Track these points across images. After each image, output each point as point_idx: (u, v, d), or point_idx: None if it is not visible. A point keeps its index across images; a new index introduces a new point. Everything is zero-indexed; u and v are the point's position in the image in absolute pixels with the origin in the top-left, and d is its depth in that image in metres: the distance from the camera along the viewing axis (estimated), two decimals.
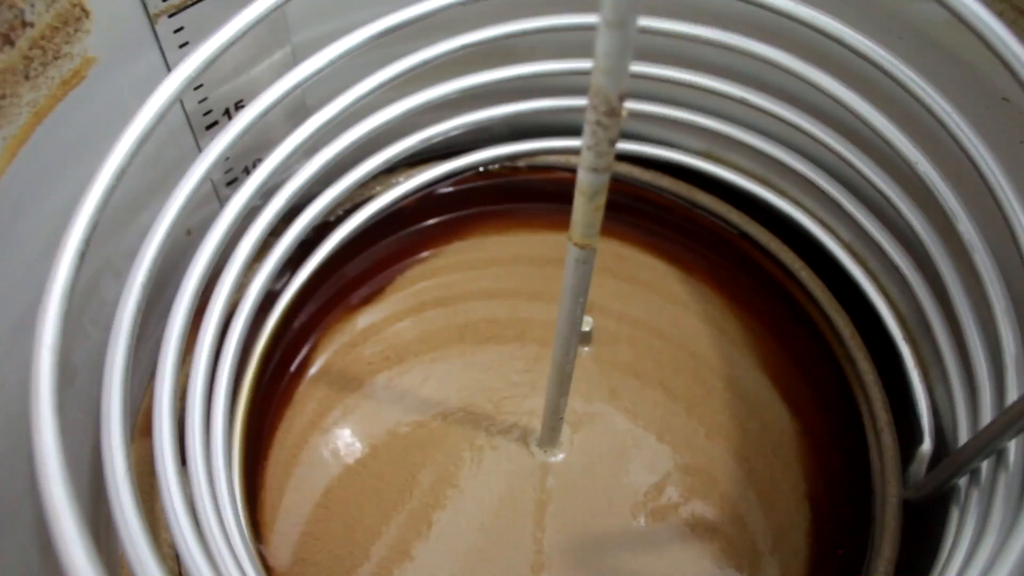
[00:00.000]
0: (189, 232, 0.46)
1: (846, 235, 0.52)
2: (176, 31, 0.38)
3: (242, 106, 0.43)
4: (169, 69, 0.39)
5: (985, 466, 0.38)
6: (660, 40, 0.45)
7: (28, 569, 0.35)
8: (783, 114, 0.47)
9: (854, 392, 0.50)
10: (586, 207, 0.26)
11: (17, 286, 0.34)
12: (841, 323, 0.51)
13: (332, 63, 0.39)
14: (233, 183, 0.48)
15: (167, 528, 0.31)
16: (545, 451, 0.48)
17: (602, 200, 0.26)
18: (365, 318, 0.53)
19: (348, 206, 0.52)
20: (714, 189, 0.55)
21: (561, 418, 0.44)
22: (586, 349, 0.52)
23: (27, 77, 0.32)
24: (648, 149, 0.54)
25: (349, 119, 0.43)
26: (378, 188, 0.53)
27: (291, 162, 0.41)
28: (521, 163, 0.56)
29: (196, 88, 0.41)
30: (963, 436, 0.42)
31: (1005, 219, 0.39)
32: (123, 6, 0.36)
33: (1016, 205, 0.38)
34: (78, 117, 0.35)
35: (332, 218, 0.51)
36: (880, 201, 0.47)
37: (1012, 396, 0.39)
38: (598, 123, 0.22)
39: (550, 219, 0.57)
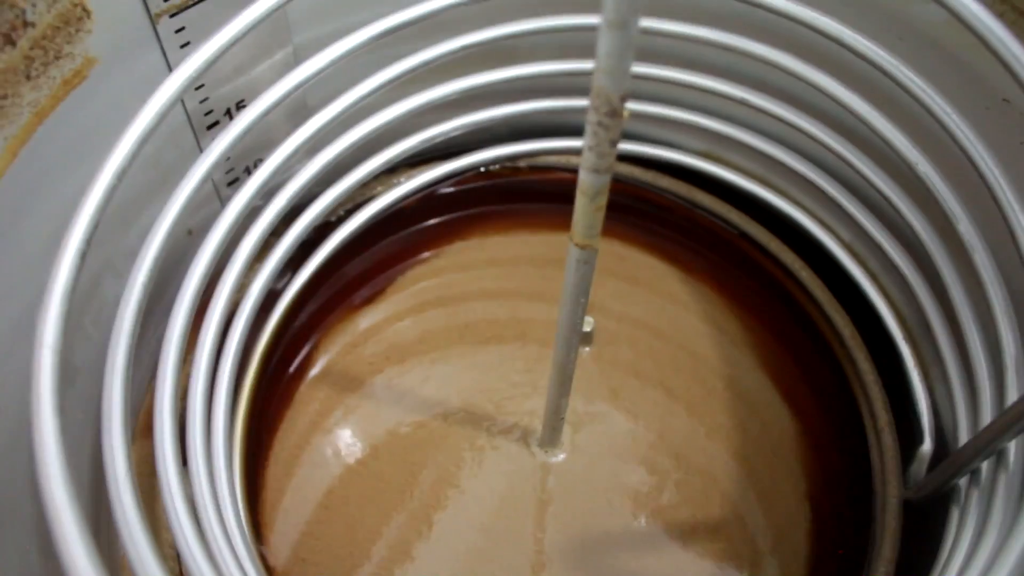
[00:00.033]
0: (190, 232, 0.46)
1: (846, 235, 0.52)
2: (177, 31, 0.38)
3: (243, 106, 0.43)
4: (170, 69, 0.39)
5: (985, 466, 0.38)
6: (661, 41, 0.45)
7: (29, 570, 0.35)
8: (783, 115, 0.47)
9: (854, 392, 0.50)
10: (587, 208, 0.26)
11: (18, 286, 0.35)
12: (841, 323, 0.51)
13: (333, 63, 0.39)
14: (234, 183, 0.48)
15: (168, 528, 0.31)
16: (546, 451, 0.48)
17: (603, 201, 0.26)
18: (366, 318, 0.53)
19: (349, 206, 0.52)
20: (714, 189, 0.55)
21: (562, 418, 0.44)
22: (587, 349, 0.52)
23: (28, 77, 0.32)
24: (648, 149, 0.54)
25: (350, 119, 0.43)
26: (379, 188, 0.53)
27: (292, 162, 0.41)
28: (522, 163, 0.56)
29: (197, 88, 0.41)
30: (963, 436, 0.42)
31: (1005, 220, 0.39)
32: (124, 6, 0.36)
33: (1016, 206, 0.38)
34: (79, 117, 0.35)
35: (333, 218, 0.51)
36: (880, 202, 0.47)
37: (1012, 396, 0.39)
38: (599, 124, 0.23)
39: (551, 219, 0.57)
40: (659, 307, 0.54)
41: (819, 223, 0.51)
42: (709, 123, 0.51)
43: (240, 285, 0.41)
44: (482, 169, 0.55)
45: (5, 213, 0.33)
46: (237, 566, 0.34)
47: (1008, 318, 0.40)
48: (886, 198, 0.46)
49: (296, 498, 0.47)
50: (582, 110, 0.25)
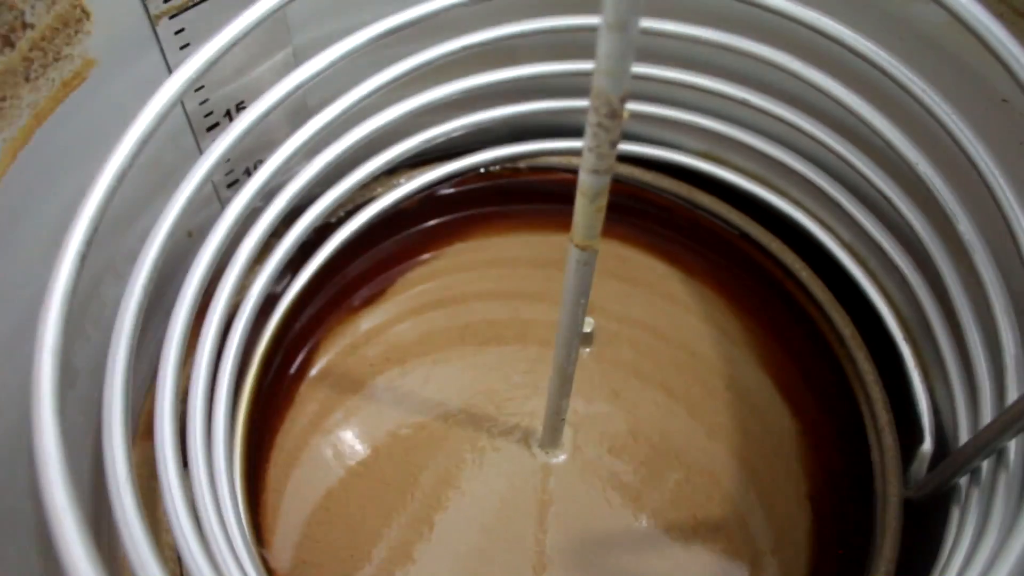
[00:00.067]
0: (190, 234, 0.46)
1: (847, 236, 0.52)
2: (177, 32, 0.38)
3: (243, 107, 0.43)
4: (170, 71, 0.39)
5: (985, 465, 0.38)
6: (661, 41, 0.45)
7: (31, 573, 0.34)
8: (784, 115, 0.47)
9: (855, 392, 0.50)
10: (587, 209, 0.26)
11: (18, 288, 0.34)
12: (842, 323, 0.51)
13: (333, 64, 0.39)
14: (234, 184, 0.48)
15: (169, 530, 0.31)
16: (547, 452, 0.48)
17: (603, 202, 0.26)
18: (366, 319, 0.53)
19: (349, 207, 0.52)
20: (715, 190, 0.55)
21: (563, 419, 0.44)
22: (587, 350, 0.52)
23: (27, 79, 0.32)
24: (649, 150, 0.54)
25: (350, 120, 0.43)
26: (379, 189, 0.53)
27: (292, 163, 0.41)
28: (522, 164, 0.56)
29: (197, 90, 0.41)
30: (963, 436, 0.42)
31: (1005, 220, 0.39)
32: (124, 7, 0.36)
33: (1016, 206, 0.38)
34: (79, 119, 0.35)
35: (333, 219, 0.51)
36: (880, 202, 0.47)
37: (1012, 396, 0.39)
38: (599, 125, 0.22)
39: (551, 220, 0.57)
40: (660, 308, 0.54)
41: (819, 223, 0.51)
42: (709, 123, 0.51)
43: (240, 286, 0.41)
44: (482, 170, 0.55)
45: (5, 215, 0.33)
46: (238, 568, 0.34)
47: (1008, 317, 0.40)
48: (886, 198, 0.46)
49: (297, 500, 0.47)
50: (582, 111, 0.25)
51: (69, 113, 0.35)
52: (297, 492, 0.47)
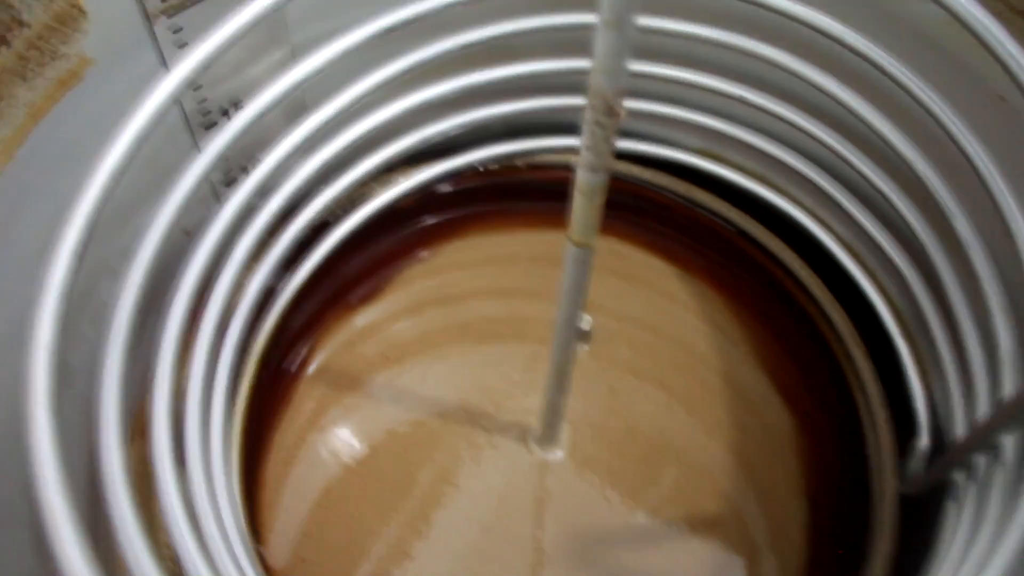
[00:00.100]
0: (187, 232, 0.46)
1: (844, 233, 0.52)
2: (174, 31, 0.38)
3: (240, 106, 0.43)
4: (167, 69, 0.39)
5: (981, 460, 0.38)
6: (658, 39, 0.45)
7: (26, 572, 0.34)
8: (781, 112, 0.47)
9: (851, 388, 0.50)
10: (585, 206, 0.26)
11: (14, 286, 0.34)
12: (839, 320, 0.51)
13: (331, 62, 0.39)
14: (231, 183, 0.47)
15: (165, 529, 0.31)
16: (544, 449, 0.48)
17: (601, 199, 0.26)
18: (364, 317, 0.53)
19: (346, 205, 0.52)
20: (712, 187, 0.55)
21: (560, 416, 0.44)
22: (585, 347, 0.52)
23: (23, 78, 0.32)
24: (647, 147, 0.54)
25: (347, 118, 0.43)
26: (376, 187, 0.53)
27: (289, 161, 0.41)
28: (519, 162, 0.56)
29: (195, 88, 0.41)
30: (959, 431, 0.42)
31: (1001, 217, 0.39)
32: (120, 6, 0.35)
33: (1012, 203, 0.38)
34: (75, 118, 0.35)
35: (330, 217, 0.51)
36: (878, 199, 0.47)
37: (1008, 391, 0.39)
38: (596, 123, 0.23)
39: (549, 218, 0.57)
40: (657, 305, 0.54)
41: (817, 221, 0.51)
42: (707, 121, 0.51)
43: (237, 284, 0.41)
44: (480, 168, 0.55)
45: (2, 213, 0.33)
46: (235, 566, 0.34)
47: (1004, 314, 0.40)
48: (884, 196, 0.46)
49: (294, 497, 0.47)
50: (580, 108, 0.25)
51: (66, 112, 0.34)
52: (295, 489, 0.47)
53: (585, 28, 0.44)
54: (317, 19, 0.44)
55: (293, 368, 0.51)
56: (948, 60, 0.41)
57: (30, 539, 0.35)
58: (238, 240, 0.41)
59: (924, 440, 0.45)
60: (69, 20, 0.33)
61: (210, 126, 0.43)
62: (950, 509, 0.39)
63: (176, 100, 0.34)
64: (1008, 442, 0.37)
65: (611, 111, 0.22)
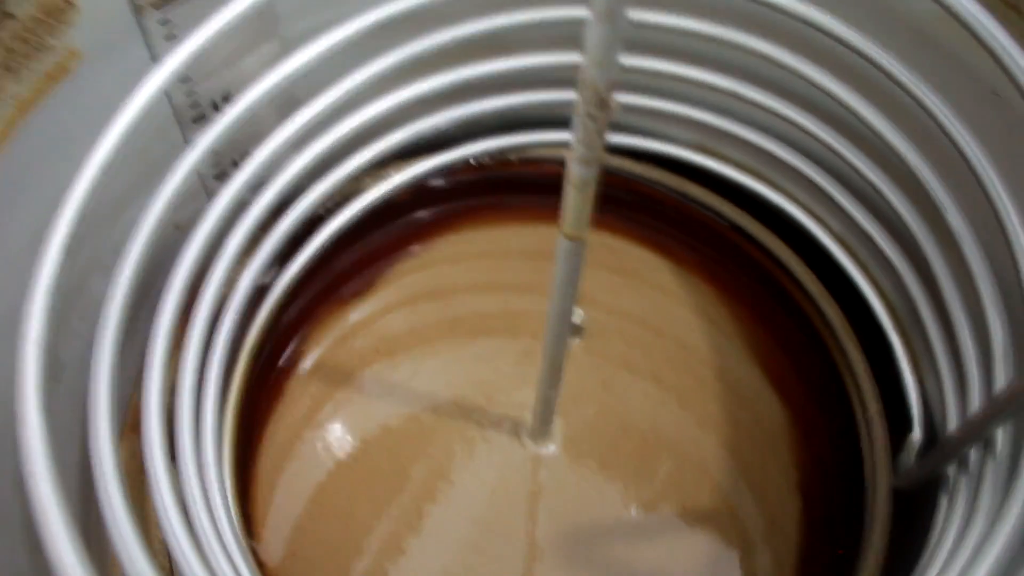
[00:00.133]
0: (177, 227, 0.45)
1: (837, 227, 0.52)
2: (163, 24, 0.38)
3: (230, 99, 0.43)
4: (156, 62, 0.38)
5: (973, 454, 0.38)
6: (652, 33, 0.45)
7: (17, 570, 0.34)
8: (775, 107, 0.47)
9: (844, 382, 0.50)
10: (576, 199, 0.26)
11: (2, 282, 0.34)
12: (832, 314, 0.51)
13: (321, 56, 0.39)
14: (222, 177, 0.47)
15: (158, 525, 0.31)
16: (536, 443, 0.48)
17: (592, 192, 0.26)
18: (356, 312, 0.53)
19: (338, 200, 0.52)
20: (706, 181, 0.55)
21: (552, 410, 0.44)
22: (577, 341, 0.52)
23: (9, 70, 0.32)
24: (640, 142, 0.54)
25: (339, 112, 0.42)
26: (368, 181, 0.53)
27: (280, 156, 0.41)
28: (512, 156, 0.56)
29: (183, 81, 0.41)
30: (952, 424, 0.42)
31: (994, 211, 0.39)
32: None
33: (1005, 197, 0.39)
34: (63, 111, 0.35)
35: (322, 212, 0.51)
36: (871, 193, 0.47)
37: (1000, 384, 0.39)
38: (588, 115, 0.22)
39: (541, 212, 0.57)
40: (650, 299, 0.54)
41: (810, 215, 0.51)
42: (700, 115, 0.51)
43: (229, 279, 0.40)
44: (472, 162, 0.55)
45: None
46: (228, 562, 0.34)
47: (996, 307, 0.40)
48: (877, 190, 0.46)
49: (287, 492, 0.46)
50: (572, 102, 0.25)
51: (53, 105, 0.34)
52: (287, 485, 0.47)
53: (578, 22, 0.44)
54: (308, 12, 0.44)
55: (285, 363, 0.50)
56: (941, 54, 0.41)
57: (22, 535, 0.35)
58: (230, 235, 0.40)
59: (917, 434, 0.45)
60: (57, 12, 0.33)
61: (200, 120, 0.43)
62: (942, 502, 0.39)
63: (165, 93, 0.34)
64: (1000, 435, 0.37)
65: (603, 103, 0.22)
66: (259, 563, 0.44)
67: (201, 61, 0.35)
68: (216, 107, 0.43)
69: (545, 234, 0.56)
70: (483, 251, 0.55)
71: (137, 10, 0.36)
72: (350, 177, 0.48)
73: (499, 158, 0.56)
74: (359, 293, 0.53)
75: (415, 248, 0.55)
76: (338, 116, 0.43)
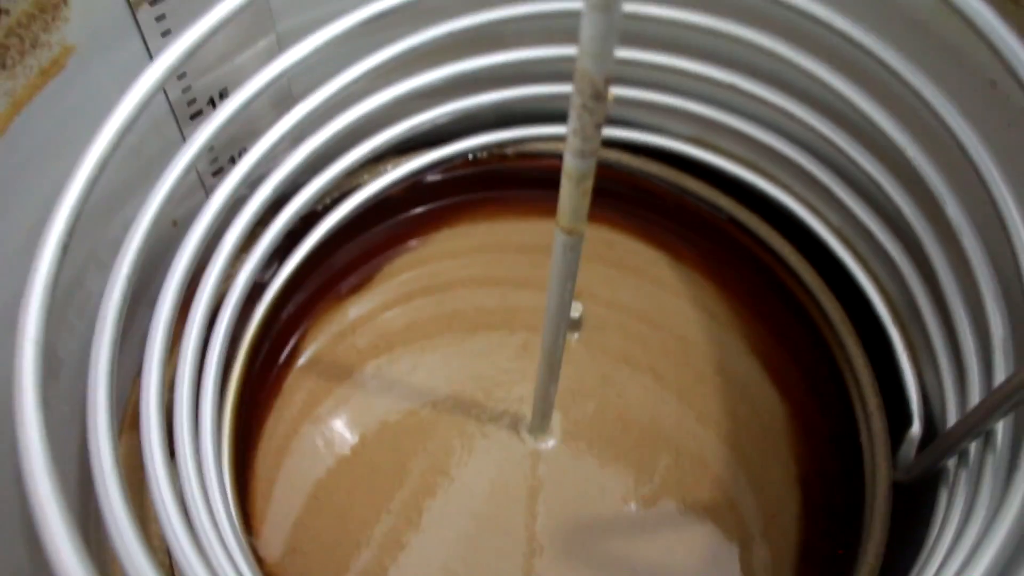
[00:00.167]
0: (175, 223, 0.45)
1: (835, 220, 0.52)
2: (158, 19, 0.38)
3: (227, 95, 0.42)
4: (151, 58, 0.38)
5: (973, 447, 0.38)
6: (648, 25, 0.45)
7: (17, 567, 0.34)
8: (772, 100, 0.47)
9: (844, 375, 0.50)
10: (573, 192, 0.26)
11: (0, 279, 0.34)
12: (831, 307, 0.51)
13: (317, 51, 0.39)
14: (219, 173, 0.47)
15: (157, 521, 0.31)
16: (536, 438, 0.48)
17: (589, 185, 0.26)
18: (354, 307, 0.53)
19: (335, 195, 0.52)
20: (703, 175, 0.55)
21: (551, 405, 0.44)
22: (576, 335, 0.52)
23: (3, 66, 0.32)
24: (637, 135, 0.54)
25: (336, 107, 0.42)
26: (365, 177, 0.53)
27: (277, 151, 0.41)
28: (509, 150, 0.56)
29: (179, 77, 0.41)
30: (952, 418, 0.42)
31: (993, 203, 0.39)
32: None
33: (1004, 189, 0.38)
34: (58, 107, 0.35)
35: (319, 207, 0.51)
36: (869, 186, 0.47)
37: (1000, 378, 0.39)
38: (584, 107, 0.22)
39: (538, 206, 0.57)
40: (648, 293, 0.54)
41: (808, 208, 0.51)
42: (698, 108, 0.51)
43: (226, 276, 0.40)
44: (469, 156, 0.55)
45: None
46: (227, 558, 0.34)
47: (996, 300, 0.40)
48: (875, 182, 0.46)
49: (286, 488, 0.46)
50: (569, 96, 0.25)
51: (48, 101, 0.34)
52: (286, 480, 0.47)
53: (574, 15, 0.44)
54: (304, 7, 0.43)
55: (283, 359, 0.50)
56: (939, 46, 0.41)
57: (21, 532, 0.35)
58: (227, 231, 0.40)
59: (916, 427, 0.45)
60: (51, 7, 0.33)
61: (196, 115, 0.43)
62: (942, 496, 0.39)
63: (161, 89, 0.34)
64: (1000, 429, 0.37)
65: (598, 95, 0.22)
66: (258, 559, 0.44)
67: (197, 57, 0.35)
68: (212, 103, 0.43)
69: (542, 228, 0.56)
70: (481, 246, 0.55)
71: (131, 5, 0.36)
72: (347, 172, 0.48)
73: (496, 153, 0.55)
74: (357, 288, 0.53)
75: (413, 243, 0.55)
76: (335, 111, 0.43)
